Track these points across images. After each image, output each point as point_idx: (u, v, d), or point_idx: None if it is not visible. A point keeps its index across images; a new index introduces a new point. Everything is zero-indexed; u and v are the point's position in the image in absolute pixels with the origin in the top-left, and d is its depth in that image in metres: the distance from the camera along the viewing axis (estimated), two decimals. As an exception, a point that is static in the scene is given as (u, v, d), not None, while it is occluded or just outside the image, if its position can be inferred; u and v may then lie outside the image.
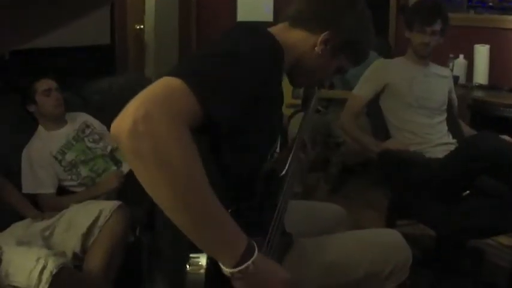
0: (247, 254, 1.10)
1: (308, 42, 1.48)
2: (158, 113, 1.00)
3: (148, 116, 0.99)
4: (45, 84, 2.64)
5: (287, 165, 1.52)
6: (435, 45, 2.75)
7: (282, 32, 1.45)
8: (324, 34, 1.46)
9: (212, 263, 1.13)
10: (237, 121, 1.18)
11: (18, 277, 1.91)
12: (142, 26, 4.69)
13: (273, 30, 1.43)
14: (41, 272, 1.87)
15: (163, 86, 1.07)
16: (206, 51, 1.24)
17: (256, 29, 1.33)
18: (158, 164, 0.99)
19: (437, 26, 2.69)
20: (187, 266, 1.15)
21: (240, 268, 1.09)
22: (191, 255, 1.15)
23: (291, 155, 1.58)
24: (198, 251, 1.13)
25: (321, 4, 1.50)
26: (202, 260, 1.14)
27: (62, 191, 2.59)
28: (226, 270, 1.10)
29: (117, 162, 2.77)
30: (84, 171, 2.64)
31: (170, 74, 1.09)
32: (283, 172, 1.48)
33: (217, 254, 1.10)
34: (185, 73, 1.09)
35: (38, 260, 1.90)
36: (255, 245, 1.13)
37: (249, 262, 1.09)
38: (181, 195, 1.02)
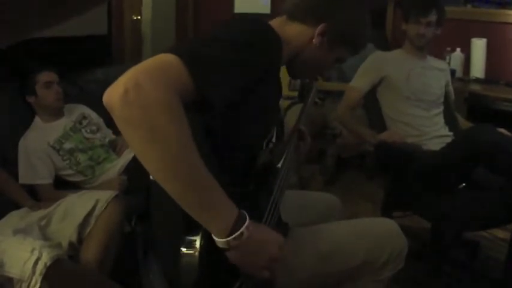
0: (239, 221, 1.11)
1: (306, 35, 1.49)
2: (150, 83, 1.01)
3: (140, 85, 1.00)
4: (46, 76, 2.64)
5: (283, 156, 1.53)
6: (431, 36, 2.76)
7: (280, 25, 1.46)
8: (320, 26, 1.47)
9: (207, 245, 1.13)
10: (229, 103, 1.19)
11: (12, 268, 1.89)
12: (139, 17, 4.68)
13: (271, 23, 1.44)
14: (35, 263, 1.86)
15: (158, 60, 1.08)
16: (205, 36, 1.25)
17: (256, 19, 1.34)
18: (148, 131, 1.00)
19: (433, 17, 2.70)
20: (182, 248, 1.15)
21: (234, 235, 1.10)
22: (186, 237, 1.15)
23: (287, 146, 1.59)
24: (193, 236, 1.14)
25: None
26: (197, 242, 1.15)
27: (58, 181, 2.59)
28: (221, 240, 1.10)
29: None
30: (82, 159, 2.65)
31: (166, 51, 1.10)
32: (280, 164, 1.49)
33: (210, 222, 1.10)
34: (181, 51, 1.10)
35: (32, 251, 1.89)
36: (246, 213, 1.13)
37: (243, 228, 1.10)
38: (171, 162, 1.03)
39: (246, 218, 1.12)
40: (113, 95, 1.01)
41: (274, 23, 1.47)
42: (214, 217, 1.10)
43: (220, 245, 1.11)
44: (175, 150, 1.02)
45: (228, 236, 1.10)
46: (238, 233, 1.10)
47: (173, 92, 1.04)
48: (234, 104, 1.21)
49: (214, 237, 1.11)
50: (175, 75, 1.06)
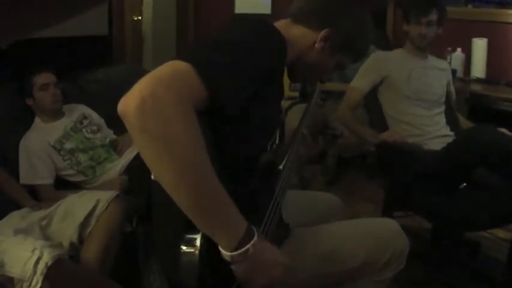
0: (247, 237, 1.11)
1: (309, 38, 1.49)
2: (165, 93, 1.01)
3: (156, 94, 1.00)
4: (43, 78, 2.64)
5: (285, 157, 1.53)
6: (433, 36, 2.76)
7: (284, 27, 1.46)
8: (324, 31, 1.47)
9: (207, 243, 1.13)
10: (240, 106, 1.19)
11: (13, 268, 1.89)
12: (140, 17, 4.68)
13: (275, 25, 1.44)
14: (36, 263, 1.85)
15: (171, 68, 1.08)
16: (212, 40, 1.25)
17: (261, 20, 1.34)
18: (163, 141, 1.01)
19: (433, 16, 2.70)
20: (182, 247, 1.15)
21: (240, 251, 1.10)
22: (186, 235, 1.15)
23: (289, 147, 1.59)
24: (193, 234, 1.14)
25: (322, 2, 1.52)
26: (197, 240, 1.14)
27: (59, 181, 2.59)
28: (226, 253, 1.10)
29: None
30: (83, 158, 2.65)
31: (177, 58, 1.10)
32: (281, 165, 1.49)
33: (218, 235, 1.10)
34: (192, 58, 1.11)
35: (33, 250, 1.89)
36: (254, 229, 1.13)
37: (249, 245, 1.10)
38: (183, 173, 1.03)
39: (254, 234, 1.12)
40: (129, 104, 1.01)
41: (279, 25, 1.48)
42: (222, 230, 1.10)
43: (224, 257, 1.11)
44: (188, 162, 1.02)
45: (234, 251, 1.10)
46: (244, 249, 1.10)
47: (188, 101, 1.04)
48: (243, 104, 1.21)
49: (220, 249, 1.11)
50: (189, 84, 1.07)
